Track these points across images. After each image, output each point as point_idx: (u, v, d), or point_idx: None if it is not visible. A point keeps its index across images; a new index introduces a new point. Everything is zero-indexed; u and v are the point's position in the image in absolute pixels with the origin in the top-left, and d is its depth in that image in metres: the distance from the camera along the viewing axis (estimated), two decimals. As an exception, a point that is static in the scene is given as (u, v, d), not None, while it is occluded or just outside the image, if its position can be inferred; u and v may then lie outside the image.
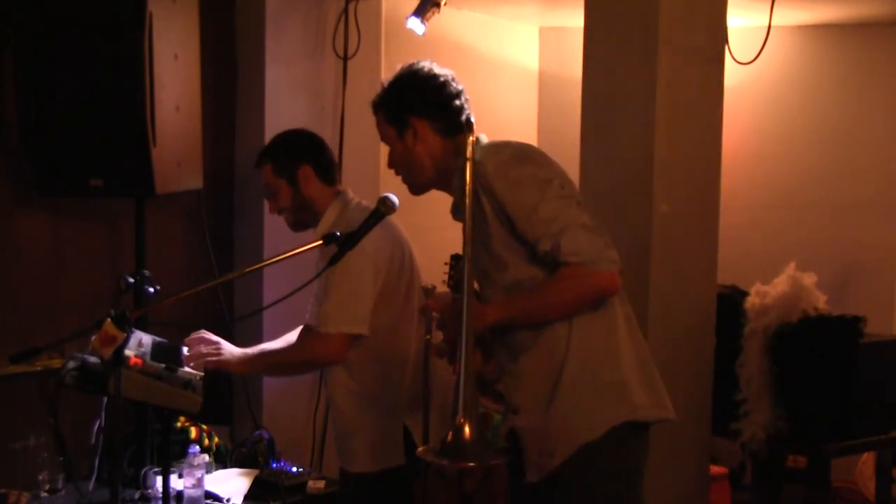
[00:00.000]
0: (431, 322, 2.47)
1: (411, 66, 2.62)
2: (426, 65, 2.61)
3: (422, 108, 2.53)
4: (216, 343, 3.01)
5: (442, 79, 2.57)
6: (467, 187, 2.26)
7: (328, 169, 3.06)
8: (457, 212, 2.53)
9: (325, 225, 2.96)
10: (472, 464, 2.23)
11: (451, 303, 2.36)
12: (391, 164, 2.62)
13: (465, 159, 2.29)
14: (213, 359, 2.92)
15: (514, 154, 2.38)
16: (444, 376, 3.08)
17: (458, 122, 2.50)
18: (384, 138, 2.62)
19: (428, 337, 2.47)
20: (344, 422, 2.99)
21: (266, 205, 3.77)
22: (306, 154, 3.03)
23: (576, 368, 2.32)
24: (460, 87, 2.58)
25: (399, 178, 2.66)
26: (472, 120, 2.43)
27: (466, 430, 2.07)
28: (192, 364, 2.89)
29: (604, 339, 2.34)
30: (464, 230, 2.27)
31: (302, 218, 3.05)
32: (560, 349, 2.33)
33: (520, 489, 2.45)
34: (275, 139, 3.15)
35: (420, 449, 2.20)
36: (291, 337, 3.17)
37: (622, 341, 2.35)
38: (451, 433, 2.09)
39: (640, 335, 2.44)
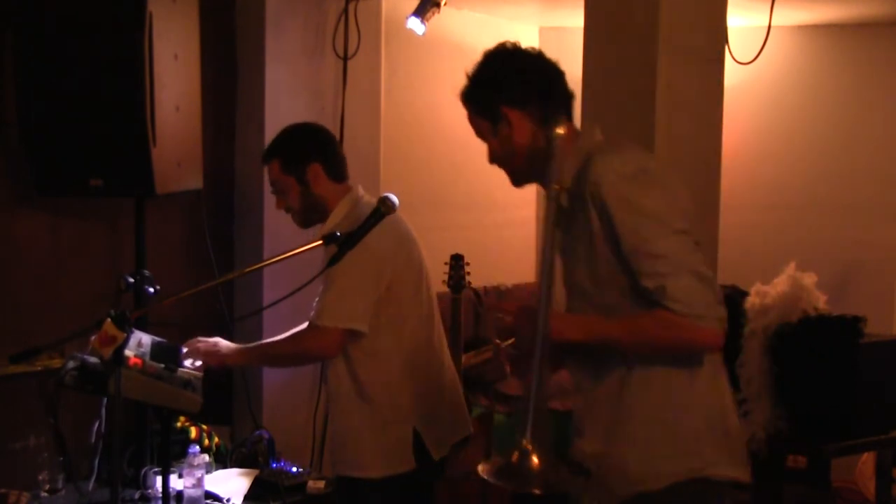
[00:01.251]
0: (499, 325, 2.24)
1: (496, 49, 2.34)
2: (512, 45, 2.33)
3: (515, 97, 2.27)
4: (213, 342, 3.00)
5: (533, 60, 2.30)
6: (553, 184, 2.10)
7: (338, 165, 2.99)
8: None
9: (333, 222, 2.91)
10: (537, 491, 1.96)
11: (529, 307, 2.12)
12: (491, 160, 2.37)
13: (550, 155, 2.12)
14: (211, 351, 2.92)
15: (637, 171, 2.11)
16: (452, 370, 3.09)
17: (558, 107, 2.28)
18: (477, 132, 2.37)
19: (497, 341, 2.26)
20: (346, 424, 2.94)
21: (265, 205, 3.79)
22: (316, 152, 2.96)
23: (653, 410, 2.13)
24: (552, 64, 2.31)
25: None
26: (559, 118, 2.22)
27: (534, 458, 1.90)
28: (189, 358, 2.89)
29: (690, 388, 2.14)
30: (546, 233, 2.09)
31: (310, 217, 2.99)
32: (643, 386, 2.13)
33: None
34: (283, 134, 3.04)
35: (480, 467, 2.00)
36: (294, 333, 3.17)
37: (707, 392, 2.16)
38: (516, 454, 1.92)
39: (728, 386, 2.24)
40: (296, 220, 3.02)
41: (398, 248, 2.90)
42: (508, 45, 2.34)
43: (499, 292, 2.28)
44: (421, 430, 2.89)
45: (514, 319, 2.14)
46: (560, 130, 2.16)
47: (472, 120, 2.37)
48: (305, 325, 3.09)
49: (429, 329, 2.99)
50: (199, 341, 2.99)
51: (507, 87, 2.28)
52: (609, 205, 2.06)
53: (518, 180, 2.39)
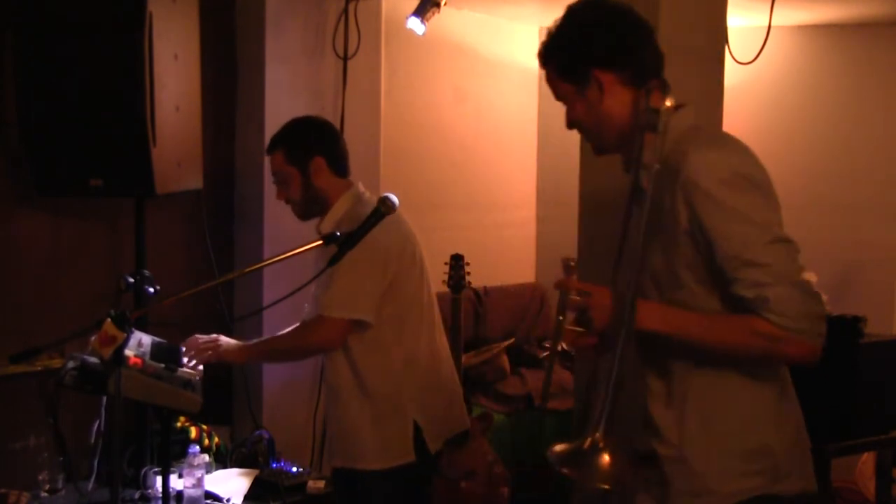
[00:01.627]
0: (566, 301, 2.05)
1: (581, 2, 2.11)
2: (601, 5, 2.10)
3: (605, 56, 2.05)
4: (213, 337, 3.00)
5: (625, 14, 2.08)
6: (647, 166, 1.92)
7: (341, 160, 3.01)
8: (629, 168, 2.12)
9: (333, 217, 2.92)
10: (606, 486, 1.85)
11: (605, 290, 1.97)
12: (571, 124, 2.16)
13: (643, 128, 1.93)
14: (211, 351, 2.92)
15: (736, 174, 1.92)
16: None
17: (652, 65, 2.08)
18: (559, 96, 2.15)
19: (560, 318, 2.14)
20: (347, 416, 2.95)
21: (266, 205, 3.80)
22: (320, 145, 2.97)
23: (738, 423, 2.01)
24: (643, 19, 2.10)
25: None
26: (667, 84, 2.02)
27: (605, 455, 1.81)
28: (190, 356, 2.89)
29: (775, 402, 2.05)
30: (631, 215, 1.93)
31: (310, 209, 3.00)
32: (730, 395, 2.02)
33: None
34: (289, 125, 3.04)
35: (550, 451, 1.88)
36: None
37: (790, 406, 2.09)
38: (588, 440, 1.82)
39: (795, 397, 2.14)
40: (295, 211, 3.03)
41: (402, 246, 2.91)
42: (596, 1, 2.11)
43: (567, 265, 1.99)
44: (421, 423, 2.90)
45: (591, 301, 1.96)
46: (668, 102, 1.96)
47: (553, 82, 2.15)
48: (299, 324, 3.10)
49: (429, 326, 3.00)
50: (198, 338, 2.99)
51: (598, 44, 2.05)
52: (703, 208, 1.91)
53: (603, 149, 2.18)
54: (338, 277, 2.80)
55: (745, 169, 1.95)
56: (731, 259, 1.89)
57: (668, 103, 1.96)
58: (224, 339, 3.00)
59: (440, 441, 2.98)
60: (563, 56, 2.10)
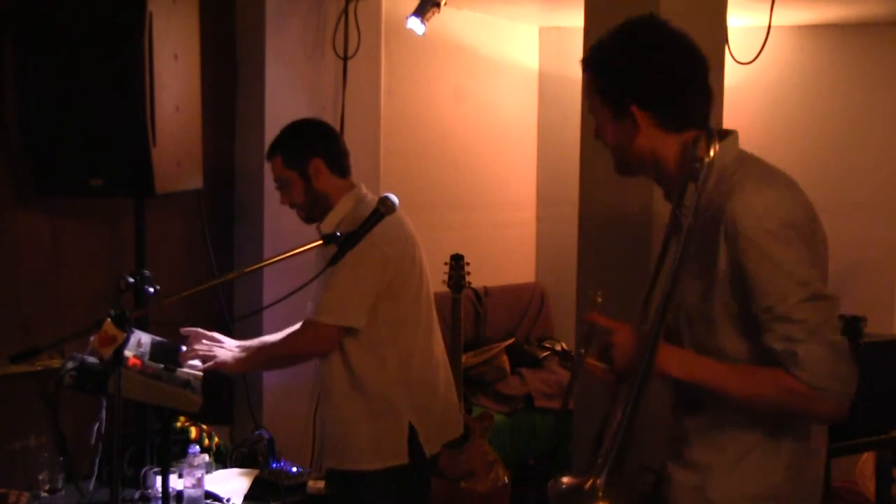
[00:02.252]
0: (591, 334, 2.03)
1: (642, 24, 2.03)
2: (659, 28, 2.01)
3: (649, 97, 1.97)
4: (217, 340, 3.00)
5: (682, 51, 1.98)
6: (688, 216, 1.87)
7: (340, 161, 3.01)
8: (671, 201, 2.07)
9: (335, 218, 2.92)
10: None
11: (629, 328, 1.96)
12: (597, 137, 2.11)
13: (691, 176, 1.90)
14: (210, 362, 2.92)
15: (782, 223, 1.87)
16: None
17: (697, 108, 2.00)
18: (592, 109, 2.08)
19: (582, 351, 2.09)
20: (340, 417, 2.94)
21: (266, 205, 3.80)
22: (317, 147, 2.97)
23: (751, 464, 1.99)
24: (700, 56, 2.00)
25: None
26: (715, 134, 1.94)
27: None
28: (189, 356, 2.89)
29: (787, 451, 2.02)
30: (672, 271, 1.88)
31: (314, 211, 3.00)
32: (750, 437, 1.99)
33: None
34: (285, 130, 3.05)
35: (550, 483, 1.86)
36: (291, 331, 3.17)
37: (805, 459, 2.09)
38: (590, 483, 1.78)
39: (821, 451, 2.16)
40: (300, 215, 3.03)
41: (402, 247, 2.90)
42: (654, 25, 2.02)
43: (593, 300, 1.93)
44: (416, 425, 2.89)
45: (616, 339, 1.94)
46: (712, 152, 1.91)
47: (590, 95, 2.07)
48: (300, 325, 3.10)
49: (427, 329, 2.99)
50: (200, 335, 2.99)
51: (645, 83, 1.98)
52: (746, 255, 1.86)
53: (622, 172, 2.13)
54: (334, 281, 2.80)
55: (792, 218, 1.90)
56: (767, 310, 1.86)
57: (712, 153, 1.91)
58: (226, 344, 3.00)
59: (437, 445, 2.98)
60: (606, 80, 2.03)
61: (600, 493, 1.77)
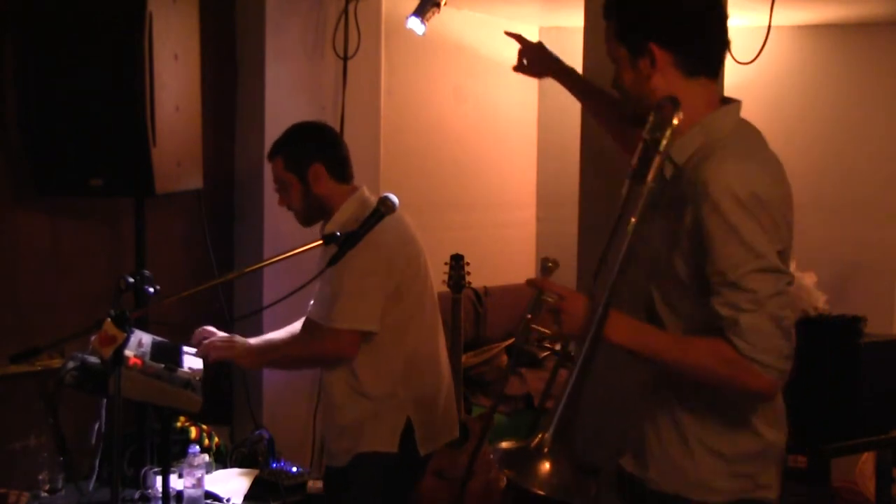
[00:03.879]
0: (539, 301, 2.02)
1: None
2: None
3: (667, 34, 1.97)
4: (228, 337, 3.00)
5: (695, 2, 1.99)
6: (648, 180, 1.89)
7: (341, 166, 2.99)
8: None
9: (337, 221, 2.90)
10: (542, 492, 1.83)
11: (579, 295, 1.96)
12: (615, 85, 2.10)
13: (657, 148, 1.90)
14: (224, 351, 2.91)
15: (749, 196, 1.87)
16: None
17: (714, 53, 2.03)
18: (611, 54, 2.08)
19: (529, 316, 2.08)
20: (342, 418, 2.93)
21: (266, 205, 3.80)
22: (318, 152, 2.95)
23: (713, 434, 2.05)
24: (718, 11, 2.01)
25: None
26: (678, 103, 1.94)
27: (548, 462, 1.81)
28: (203, 347, 2.89)
29: (761, 407, 2.09)
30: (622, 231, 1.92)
31: (312, 216, 3.00)
32: (707, 407, 2.03)
33: None
34: (288, 132, 3.04)
35: (495, 446, 1.91)
36: (295, 327, 3.17)
37: (776, 410, 2.16)
38: (536, 440, 1.82)
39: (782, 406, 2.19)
40: (297, 217, 3.02)
41: (405, 248, 2.90)
42: None
43: (546, 265, 1.96)
44: (414, 421, 2.89)
45: (564, 304, 1.94)
46: (675, 121, 1.92)
47: (610, 40, 2.06)
48: (303, 319, 3.09)
49: (431, 330, 2.99)
50: (212, 331, 2.99)
51: (664, 19, 1.98)
52: (709, 216, 1.87)
53: (637, 122, 2.06)
54: (344, 285, 2.79)
55: (761, 192, 1.89)
56: (719, 274, 1.88)
57: (675, 121, 1.92)
58: (239, 339, 3.00)
59: (433, 445, 2.97)
60: (624, 19, 2.02)
61: (546, 450, 1.80)
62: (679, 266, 1.96)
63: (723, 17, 2.01)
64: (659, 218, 1.98)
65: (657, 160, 1.92)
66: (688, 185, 1.92)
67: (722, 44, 2.04)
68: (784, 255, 1.93)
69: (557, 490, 1.84)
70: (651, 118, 1.96)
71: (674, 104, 1.93)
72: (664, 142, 1.91)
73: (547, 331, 2.00)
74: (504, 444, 1.90)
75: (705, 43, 2.01)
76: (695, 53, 1.99)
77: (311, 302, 3.03)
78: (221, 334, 3.03)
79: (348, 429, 2.90)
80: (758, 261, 1.86)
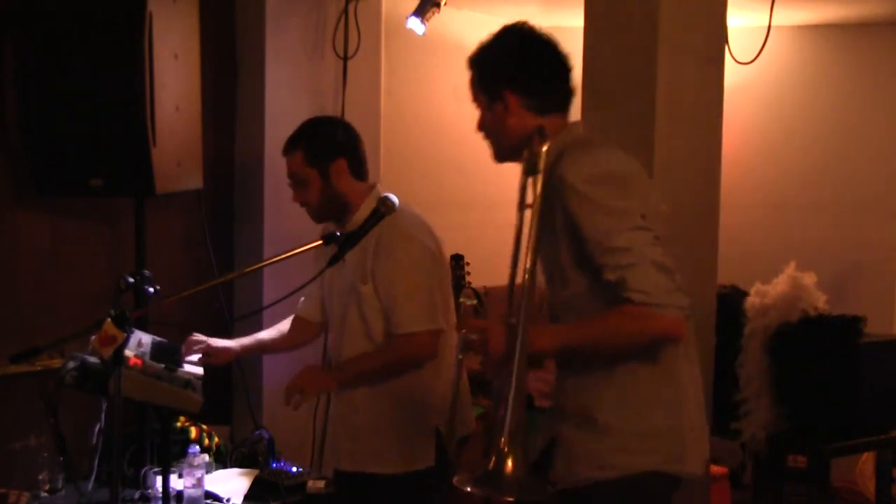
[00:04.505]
0: (465, 340, 2.22)
1: (516, 27, 2.39)
2: (530, 29, 2.38)
3: (518, 82, 2.30)
4: (310, 370, 2.94)
5: (546, 50, 2.34)
6: (536, 201, 2.09)
7: (361, 163, 2.93)
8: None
9: (358, 221, 2.75)
10: (510, 498, 2.00)
11: (497, 324, 2.15)
12: (480, 129, 2.40)
13: (537, 171, 2.12)
14: (320, 385, 2.88)
15: (600, 172, 2.16)
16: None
17: (557, 101, 2.33)
18: (474, 100, 2.39)
19: (461, 357, 2.28)
20: (362, 419, 2.89)
21: (266, 205, 3.79)
22: (344, 147, 2.89)
23: (619, 400, 2.20)
24: (566, 60, 2.36)
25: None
26: (545, 132, 2.20)
27: (510, 462, 1.93)
28: (298, 398, 2.80)
29: (652, 380, 2.20)
30: (528, 248, 2.09)
31: (327, 211, 2.91)
32: (606, 381, 2.21)
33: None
34: (309, 126, 2.95)
35: (456, 478, 2.02)
36: (283, 326, 3.17)
37: (673, 384, 2.23)
38: (493, 460, 1.94)
39: (694, 379, 2.30)
40: (311, 213, 2.95)
41: (438, 246, 2.88)
42: (527, 27, 2.38)
43: (464, 306, 2.29)
44: (443, 430, 2.85)
45: (489, 335, 2.12)
46: (544, 148, 2.15)
47: (472, 87, 2.39)
48: (291, 318, 3.11)
49: (452, 329, 2.96)
50: (203, 344, 2.99)
51: (515, 70, 2.31)
52: (571, 202, 2.12)
53: (500, 158, 2.40)
54: (401, 289, 2.76)
55: (609, 166, 2.19)
56: (596, 246, 2.10)
57: (544, 148, 2.14)
58: (312, 368, 2.95)
59: (453, 443, 2.94)
60: (483, 69, 2.36)
61: (505, 450, 1.94)
62: (567, 262, 2.18)
63: (568, 68, 2.35)
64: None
65: (539, 178, 2.12)
66: (551, 190, 2.13)
67: (568, 93, 2.36)
68: (646, 219, 2.14)
69: (527, 492, 1.99)
70: (525, 153, 2.19)
71: (540, 134, 2.17)
72: (541, 164, 2.12)
73: (477, 367, 2.20)
74: (463, 478, 2.00)
75: (552, 88, 2.33)
76: (544, 97, 2.31)
77: (303, 299, 3.01)
78: (215, 341, 3.01)
79: (373, 431, 2.89)
80: (624, 221, 2.10)
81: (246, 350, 3.16)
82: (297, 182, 2.91)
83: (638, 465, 2.18)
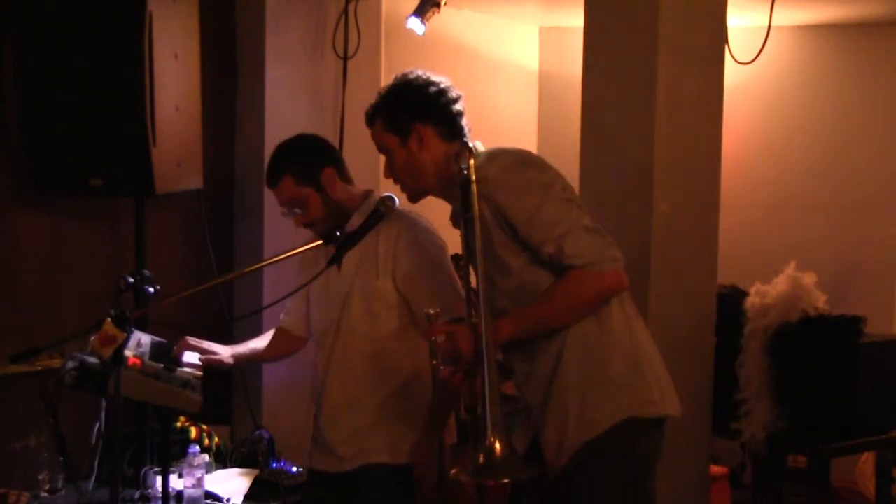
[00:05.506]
0: (436, 348, 2.36)
1: (406, 74, 2.60)
2: (421, 72, 2.59)
3: (425, 113, 2.51)
4: (211, 350, 2.97)
5: (440, 84, 2.56)
6: (474, 209, 2.29)
7: (345, 166, 2.96)
8: (457, 220, 2.51)
9: (356, 223, 2.73)
10: (506, 480, 2.23)
11: (464, 326, 2.32)
12: (390, 173, 2.59)
13: (470, 181, 2.32)
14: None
15: (514, 160, 2.40)
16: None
17: (458, 127, 2.53)
18: (383, 148, 2.58)
19: (434, 362, 2.37)
20: (362, 416, 2.87)
21: (266, 205, 3.79)
22: (325, 156, 2.90)
23: (573, 366, 2.33)
24: (457, 92, 2.58)
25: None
26: (471, 144, 2.46)
27: (497, 447, 2.09)
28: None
29: (601, 336, 2.33)
30: (474, 254, 2.29)
31: (333, 223, 2.84)
32: (557, 348, 2.34)
33: (542, 485, 2.46)
34: (284, 150, 2.91)
35: (453, 471, 2.18)
36: (267, 338, 3.17)
37: (620, 337, 2.35)
38: (482, 454, 2.09)
39: (645, 330, 2.44)
40: (317, 230, 2.86)
41: (444, 242, 2.91)
42: (411, 72, 2.58)
43: (429, 315, 2.39)
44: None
45: (456, 337, 2.27)
46: (472, 161, 2.35)
47: (379, 136, 2.58)
48: (273, 331, 3.14)
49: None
50: (200, 344, 2.99)
51: (420, 100, 2.51)
52: (496, 194, 2.30)
53: (418, 195, 2.58)
54: (437, 277, 2.80)
55: (520, 155, 2.42)
56: (529, 226, 2.28)
57: (472, 161, 2.34)
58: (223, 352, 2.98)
59: (454, 434, 2.95)
60: (388, 111, 2.55)
61: (492, 439, 2.08)
62: (502, 250, 2.33)
63: (457, 97, 2.56)
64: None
65: (473, 189, 2.30)
66: (478, 196, 2.29)
67: (461, 112, 2.56)
68: (566, 190, 2.37)
69: (517, 472, 2.18)
70: (455, 169, 2.38)
71: (465, 147, 2.40)
72: (473, 175, 2.32)
73: (447, 370, 2.32)
74: (459, 471, 2.17)
75: (453, 113, 2.53)
76: (451, 123, 2.52)
77: (283, 314, 3.01)
78: (209, 345, 3.00)
79: (376, 425, 2.87)
80: (548, 195, 2.30)
81: (239, 360, 3.11)
82: (296, 206, 2.87)
83: (612, 416, 2.29)
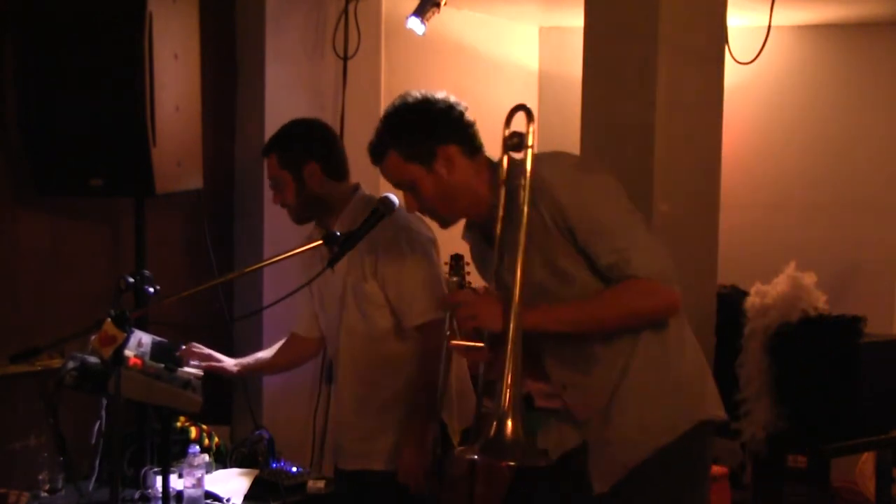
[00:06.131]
0: (452, 318, 2.25)
1: (404, 98, 2.34)
2: (416, 92, 2.36)
3: (445, 133, 2.29)
4: (214, 357, 3.01)
5: (447, 99, 2.34)
6: (525, 207, 2.08)
7: (338, 164, 2.95)
8: (467, 231, 2.44)
9: (346, 221, 2.83)
10: (512, 463, 2.10)
11: (487, 294, 2.20)
12: (416, 206, 2.35)
13: (501, 181, 2.18)
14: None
15: (576, 162, 2.28)
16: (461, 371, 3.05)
17: (478, 140, 2.35)
18: (404, 182, 2.33)
19: (449, 332, 2.28)
20: (369, 418, 2.89)
21: (266, 205, 3.79)
22: (314, 151, 2.91)
23: (642, 376, 2.22)
24: (462, 102, 2.39)
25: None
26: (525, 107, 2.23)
27: (510, 425, 1.99)
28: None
29: (666, 354, 2.24)
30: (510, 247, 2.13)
31: (305, 212, 2.94)
32: (623, 361, 2.22)
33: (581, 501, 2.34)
34: (283, 129, 2.98)
35: (458, 449, 2.10)
36: (273, 350, 3.18)
37: (688, 344, 2.28)
38: (493, 429, 1.99)
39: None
40: (290, 215, 2.97)
41: (434, 239, 2.91)
42: (409, 94, 2.33)
43: (450, 284, 2.31)
44: (446, 420, 2.85)
45: (480, 307, 2.13)
46: (519, 155, 2.17)
47: (397, 170, 2.32)
48: (277, 345, 3.13)
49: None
50: (202, 351, 2.99)
51: (438, 121, 2.29)
52: (558, 195, 2.12)
53: (450, 221, 2.39)
54: (411, 281, 2.79)
55: (580, 157, 2.35)
56: (590, 233, 2.13)
57: (532, 128, 2.14)
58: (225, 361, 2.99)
59: (458, 434, 2.94)
60: (403, 140, 2.29)
61: (507, 413, 2.00)
62: (567, 260, 2.16)
63: (465, 109, 2.35)
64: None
65: (527, 183, 2.09)
66: (521, 187, 2.10)
67: (473, 126, 2.35)
68: (636, 212, 2.21)
69: (526, 457, 2.07)
70: (504, 160, 2.20)
71: (525, 111, 2.15)
72: (526, 164, 2.10)
73: (468, 343, 2.21)
74: (465, 449, 2.10)
75: (466, 125, 2.32)
76: (471, 138, 2.32)
77: (297, 316, 3.03)
78: (215, 356, 3.01)
79: (386, 431, 2.89)
80: (614, 204, 2.16)
81: (245, 370, 3.13)
82: (274, 184, 2.94)
83: (688, 421, 2.22)
